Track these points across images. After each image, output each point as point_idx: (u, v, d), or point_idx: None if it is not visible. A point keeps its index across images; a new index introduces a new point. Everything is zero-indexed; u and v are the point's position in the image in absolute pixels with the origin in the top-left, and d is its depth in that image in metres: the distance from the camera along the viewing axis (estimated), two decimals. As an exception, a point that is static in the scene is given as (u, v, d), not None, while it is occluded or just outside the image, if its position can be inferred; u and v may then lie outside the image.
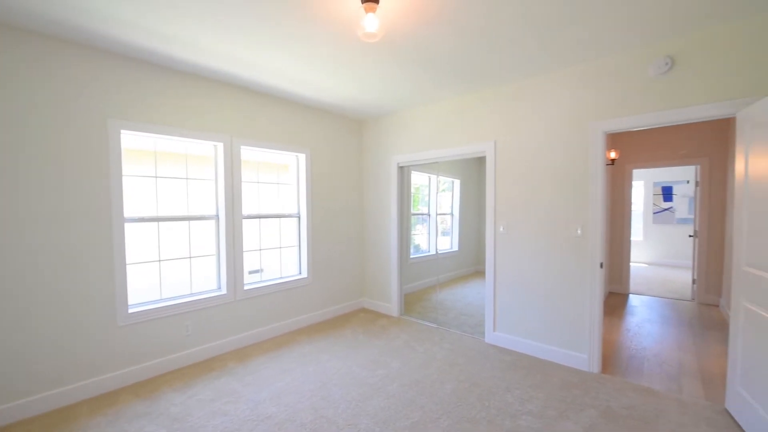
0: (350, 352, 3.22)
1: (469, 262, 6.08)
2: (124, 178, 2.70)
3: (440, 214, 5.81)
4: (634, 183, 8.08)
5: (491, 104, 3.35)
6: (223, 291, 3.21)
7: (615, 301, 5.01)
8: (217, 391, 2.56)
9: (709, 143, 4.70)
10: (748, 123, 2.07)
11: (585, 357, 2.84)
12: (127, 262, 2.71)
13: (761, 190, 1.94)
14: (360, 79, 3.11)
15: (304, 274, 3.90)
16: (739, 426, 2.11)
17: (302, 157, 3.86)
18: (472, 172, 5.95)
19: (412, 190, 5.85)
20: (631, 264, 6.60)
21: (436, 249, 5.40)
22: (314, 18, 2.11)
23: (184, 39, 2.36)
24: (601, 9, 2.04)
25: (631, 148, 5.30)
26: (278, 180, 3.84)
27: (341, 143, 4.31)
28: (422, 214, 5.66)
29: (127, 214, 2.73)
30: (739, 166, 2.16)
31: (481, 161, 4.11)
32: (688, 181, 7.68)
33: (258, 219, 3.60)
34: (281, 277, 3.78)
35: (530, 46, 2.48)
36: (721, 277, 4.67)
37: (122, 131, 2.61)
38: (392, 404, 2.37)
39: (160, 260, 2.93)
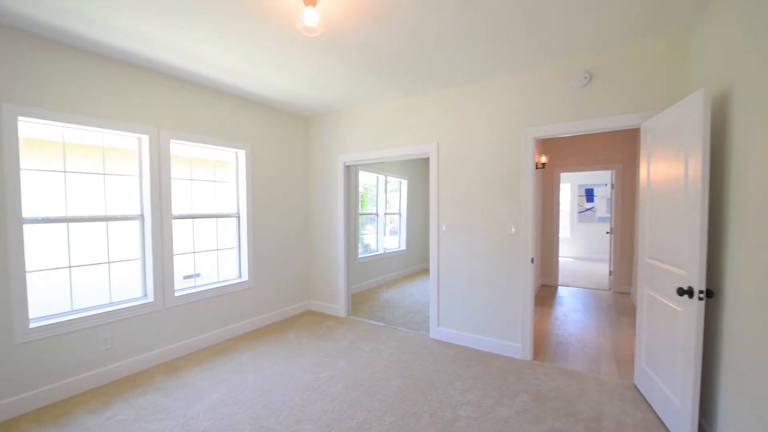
0: (294, 356, 3.12)
1: (417, 261, 6.24)
2: (22, 173, 2.33)
3: (388, 214, 5.88)
4: (561, 185, 8.92)
5: (435, 107, 3.45)
6: (150, 299, 2.92)
7: (546, 293, 5.46)
8: (141, 409, 2.31)
9: (623, 150, 5.32)
10: (650, 133, 2.37)
11: (519, 346, 3.05)
12: (28, 269, 2.34)
13: (659, 192, 2.23)
14: (302, 75, 3.02)
15: (245, 278, 3.70)
16: (644, 398, 2.41)
17: (242, 153, 3.66)
18: (420, 172, 6.11)
19: (361, 190, 5.84)
20: (559, 258, 7.25)
21: (384, 248, 5.45)
22: (250, 8, 2.00)
23: (100, 19, 2.09)
24: (527, 25, 2.19)
25: (559, 154, 5.81)
26: (215, 177, 3.60)
27: (286, 140, 4.16)
28: (371, 214, 5.68)
29: (27, 213, 2.36)
30: (643, 171, 2.46)
31: (427, 162, 4.22)
32: (606, 184, 8.62)
33: (191, 219, 3.34)
34: (219, 282, 3.54)
35: (469, 53, 2.60)
36: (631, 268, 5.32)
37: (20, 118, 2.25)
38: (337, 406, 2.33)
39: (70, 266, 2.58)
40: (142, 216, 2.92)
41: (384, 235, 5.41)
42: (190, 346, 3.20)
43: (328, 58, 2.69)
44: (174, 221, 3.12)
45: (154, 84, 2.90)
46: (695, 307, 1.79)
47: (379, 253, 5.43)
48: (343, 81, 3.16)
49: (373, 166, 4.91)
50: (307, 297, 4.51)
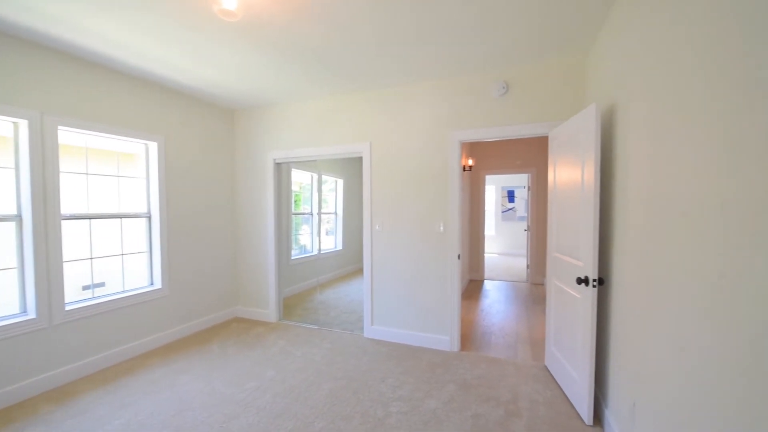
0: (217, 368, 2.87)
1: (354, 260, 6.21)
2: None
3: (324, 213, 5.76)
4: (486, 187, 9.59)
5: (368, 106, 3.46)
6: (32, 315, 2.45)
7: (473, 287, 5.84)
8: (16, 450, 1.93)
9: (537, 156, 5.91)
10: (555, 141, 2.66)
11: (447, 339, 3.20)
12: None
13: (563, 194, 2.51)
14: (225, 65, 2.80)
15: (158, 285, 3.31)
16: (553, 377, 2.69)
17: (154, 145, 3.27)
18: (356, 171, 6.09)
19: (296, 189, 5.65)
20: (485, 254, 7.81)
21: (319, 249, 5.33)
22: (159, -19, 1.78)
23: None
24: (453, 33, 2.31)
25: (484, 157, 6.26)
26: (120, 172, 3.16)
27: (209, 133, 3.83)
28: (305, 214, 5.51)
29: None
30: (550, 175, 2.75)
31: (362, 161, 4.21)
32: (524, 187, 9.53)
33: (88, 220, 2.89)
34: (126, 291, 3.11)
35: (401, 54, 2.65)
36: (544, 261, 5.94)
37: None
38: (263, 418, 2.20)
39: None
40: (18, 216, 2.44)
41: (319, 236, 5.28)
42: (89, 367, 2.76)
43: (252, 48, 2.53)
44: (64, 222, 2.67)
45: (37, 60, 2.44)
46: (590, 294, 2.05)
47: (313, 254, 5.29)
48: (271, 73, 3.00)
49: (307, 165, 4.77)
50: (235, 303, 4.21)
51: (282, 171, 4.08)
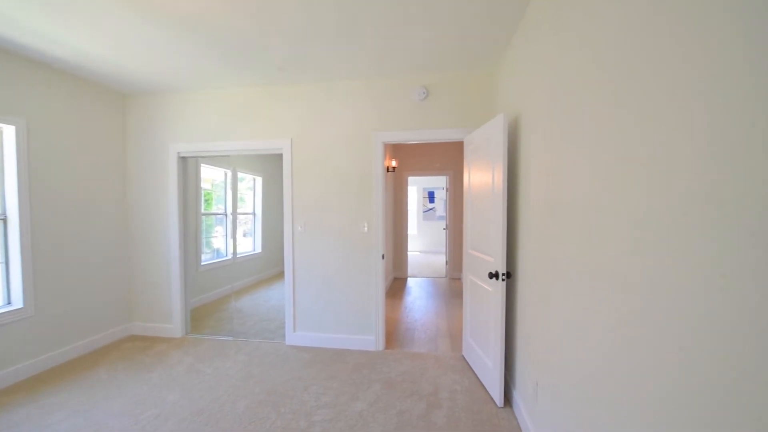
0: (104, 398, 2.42)
1: (275, 263, 5.87)
2: None
3: (241, 214, 5.32)
4: (409, 188, 9.98)
5: (290, 100, 3.28)
6: None
7: (397, 285, 6.00)
8: None
9: (454, 160, 6.33)
10: (470, 147, 2.85)
11: (373, 339, 3.21)
12: None
13: (477, 196, 2.70)
14: (111, 37, 2.37)
15: (18, 304, 2.66)
16: (470, 367, 2.88)
17: (10, 130, 2.62)
18: (277, 169, 5.76)
19: (208, 187, 5.12)
20: (408, 253, 8.11)
21: (235, 252, 4.90)
22: None
23: None
24: (377, 34, 2.31)
25: (407, 158, 6.48)
26: (-42, 163, 2.46)
27: (91, 119, 3.21)
28: (218, 214, 5.02)
29: None
30: (465, 178, 2.94)
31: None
32: (443, 188, 10.16)
33: None
34: (-32, 314, 2.43)
35: (321, 49, 2.56)
36: (461, 258, 6.40)
37: None
38: (164, 450, 1.91)
39: None
40: None
41: (235, 238, 4.86)
42: None
43: (148, 19, 2.18)
44: None
45: None
46: (500, 287, 2.24)
47: (228, 258, 4.85)
48: (172, 52, 2.64)
49: (220, 160, 4.34)
50: (129, 319, 3.62)
51: (187, 166, 3.64)
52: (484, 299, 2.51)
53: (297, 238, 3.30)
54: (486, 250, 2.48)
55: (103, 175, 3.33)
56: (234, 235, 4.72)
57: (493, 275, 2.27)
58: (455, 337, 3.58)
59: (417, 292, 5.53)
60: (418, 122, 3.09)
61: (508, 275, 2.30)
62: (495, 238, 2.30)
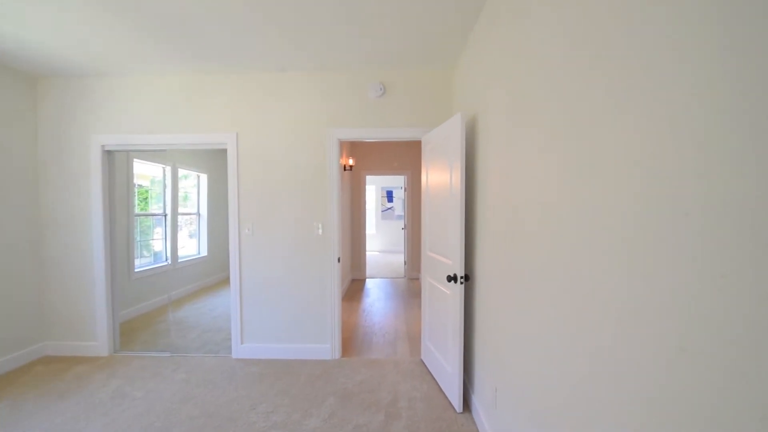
0: (1, 438, 2.02)
1: (221, 268, 5.44)
2: None
3: (184, 214, 4.86)
4: (367, 187, 9.86)
5: (236, 91, 3.00)
6: None
7: (356, 287, 5.85)
8: None
9: (412, 159, 6.31)
10: (428, 146, 2.79)
11: (328, 347, 3.04)
12: None
13: (435, 197, 2.64)
14: (15, 6, 1.98)
15: None
16: (428, 371, 2.82)
17: None
18: (223, 165, 5.35)
19: (146, 184, 4.62)
20: (367, 253, 7.99)
21: (175, 256, 4.45)
22: None
23: None
24: (330, 25, 2.15)
25: (364, 157, 6.34)
26: None
27: (-12, 105, 2.70)
28: (157, 215, 4.54)
29: None
30: (423, 178, 2.88)
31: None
32: (401, 188, 10.17)
33: None
34: None
35: (272, 37, 2.34)
36: (419, 258, 6.40)
37: None
38: (74, 498, 1.61)
39: None
40: None
41: (175, 241, 4.41)
42: None
43: (54, -10, 1.83)
44: None
45: None
46: (458, 290, 2.19)
47: (167, 263, 4.39)
48: (80, 24, 2.28)
49: (155, 155, 3.91)
50: (41, 338, 3.11)
51: (116, 161, 3.21)
52: (443, 302, 2.46)
53: (244, 241, 3.04)
54: (444, 252, 2.42)
55: (7, 169, 2.81)
56: (174, 238, 4.29)
57: (452, 278, 2.21)
58: (414, 339, 3.51)
59: (376, 293, 5.43)
60: (375, 120, 2.97)
61: (467, 278, 2.26)
62: (453, 240, 2.24)
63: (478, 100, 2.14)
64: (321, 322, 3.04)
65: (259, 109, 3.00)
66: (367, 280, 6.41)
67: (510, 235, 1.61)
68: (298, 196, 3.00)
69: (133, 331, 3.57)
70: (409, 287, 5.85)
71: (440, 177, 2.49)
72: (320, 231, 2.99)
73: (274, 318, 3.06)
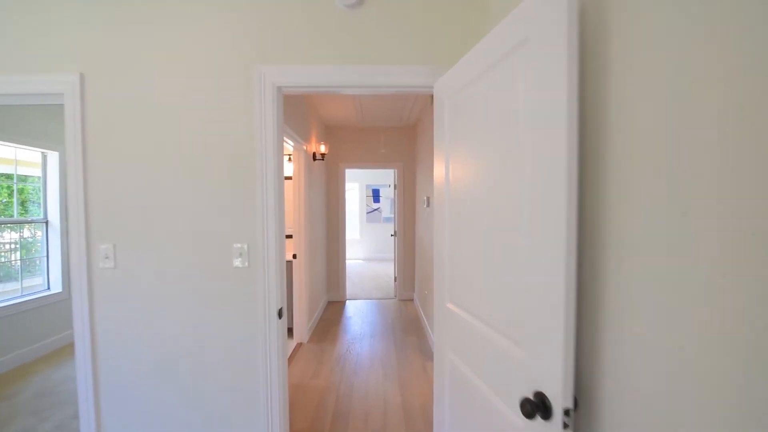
0: None
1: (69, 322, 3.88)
2: None
3: (13, 223, 3.13)
4: (350, 185, 8.41)
5: (82, 4, 1.57)
6: None
7: (332, 314, 4.45)
8: None
9: (403, 148, 4.94)
10: (451, 99, 1.42)
11: (261, 471, 1.64)
12: None
13: (474, 198, 1.28)
14: None
15: None
16: None
17: None
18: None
19: None
20: (348, 262, 6.59)
21: None
22: None
23: None
24: None
25: (340, 145, 4.94)
26: None
27: None
28: None
29: None
30: (439, 163, 1.50)
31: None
32: (389, 185, 8.80)
33: None
34: None
35: None
36: (413, 272, 5.04)
37: None
38: None
39: None
40: None
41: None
42: None
43: None
44: None
45: None
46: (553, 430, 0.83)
47: None
48: None
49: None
50: None
51: None
52: (494, 426, 1.09)
53: (100, 277, 1.60)
54: (500, 326, 1.06)
55: None
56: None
57: (535, 407, 0.85)
58: (414, 419, 2.16)
59: (358, 326, 4.04)
60: (346, 48, 1.59)
61: (575, 406, 0.90)
62: (535, 304, 0.89)
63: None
64: (249, 411, 1.64)
65: (124, 30, 1.58)
66: (347, 302, 5.01)
67: None
68: (201, 191, 1.60)
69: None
70: (401, 313, 4.49)
71: (491, 152, 1.13)
72: (239, 260, 1.59)
73: (157, 410, 1.64)
